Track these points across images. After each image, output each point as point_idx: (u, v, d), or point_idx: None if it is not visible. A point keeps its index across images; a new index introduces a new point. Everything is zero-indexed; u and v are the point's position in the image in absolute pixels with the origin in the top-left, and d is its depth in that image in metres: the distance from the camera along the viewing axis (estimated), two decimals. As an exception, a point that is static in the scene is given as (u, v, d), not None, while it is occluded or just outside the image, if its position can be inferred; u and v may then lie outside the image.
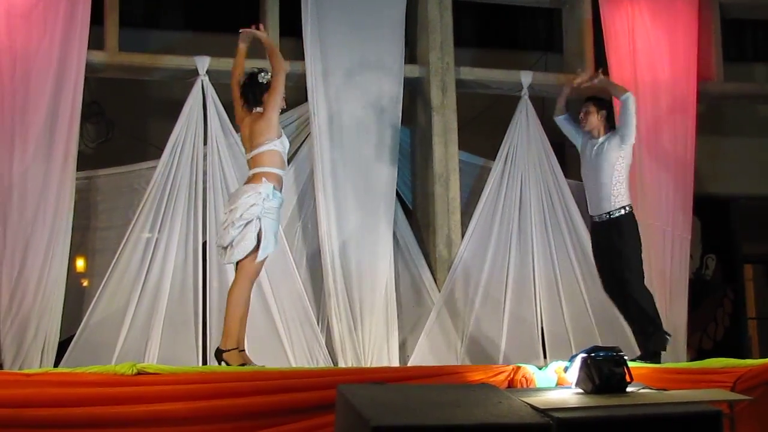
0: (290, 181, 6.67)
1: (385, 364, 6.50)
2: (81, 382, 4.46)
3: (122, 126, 7.57)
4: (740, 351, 8.34)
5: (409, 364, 6.62)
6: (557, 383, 4.93)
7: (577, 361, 4.13)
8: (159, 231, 6.39)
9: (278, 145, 5.48)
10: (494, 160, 7.16)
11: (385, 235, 6.76)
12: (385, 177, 6.84)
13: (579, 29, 7.64)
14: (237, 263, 5.40)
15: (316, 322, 6.60)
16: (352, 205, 6.73)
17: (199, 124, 6.56)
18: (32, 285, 6.02)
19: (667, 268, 7.14)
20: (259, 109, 5.55)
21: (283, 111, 5.67)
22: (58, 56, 6.23)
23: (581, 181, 6.42)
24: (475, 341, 6.82)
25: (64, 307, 6.13)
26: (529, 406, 3.62)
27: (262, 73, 5.57)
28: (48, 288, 6.06)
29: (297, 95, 6.77)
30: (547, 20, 8.58)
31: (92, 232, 6.66)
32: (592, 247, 6.37)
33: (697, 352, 8.29)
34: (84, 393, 4.37)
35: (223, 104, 6.50)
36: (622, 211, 6.06)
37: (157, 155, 6.57)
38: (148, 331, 6.23)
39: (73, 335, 6.17)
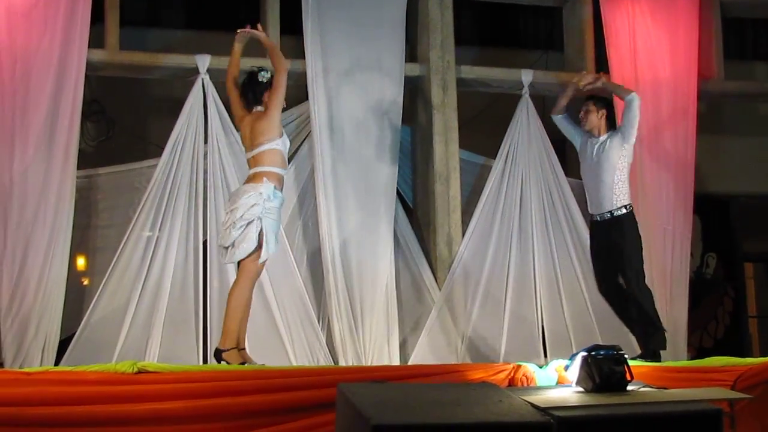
0: (291, 180, 6.67)
1: (385, 362, 6.50)
2: (81, 380, 4.47)
3: (123, 124, 7.58)
4: (741, 349, 8.35)
5: (409, 363, 6.62)
6: (558, 382, 4.93)
7: (578, 359, 4.13)
8: (159, 229, 6.39)
9: (280, 144, 5.47)
10: (495, 159, 7.16)
11: (386, 233, 6.76)
12: (385, 175, 6.84)
13: (580, 28, 7.64)
14: (238, 263, 5.40)
15: (316, 321, 6.60)
16: (352, 204, 6.73)
17: (200, 123, 6.56)
18: (33, 283, 6.02)
19: (667, 267, 7.14)
20: (259, 108, 5.55)
21: (283, 110, 5.67)
22: (58, 55, 6.23)
23: (582, 179, 6.43)
24: (476, 340, 6.82)
25: (64, 306, 6.13)
26: (529, 404, 3.62)
27: (262, 72, 5.56)
28: (48, 286, 6.06)
29: (297, 94, 6.77)
30: (548, 19, 8.57)
31: (93, 231, 6.66)
32: (591, 246, 6.36)
33: (697, 350, 8.29)
34: (85, 391, 4.37)
35: (223, 103, 6.49)
36: (623, 210, 6.06)
37: (158, 154, 6.57)
38: (149, 329, 6.23)
39: (74, 334, 6.17)
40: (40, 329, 6.00)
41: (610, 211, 6.07)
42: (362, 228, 6.73)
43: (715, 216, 8.78)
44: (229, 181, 6.48)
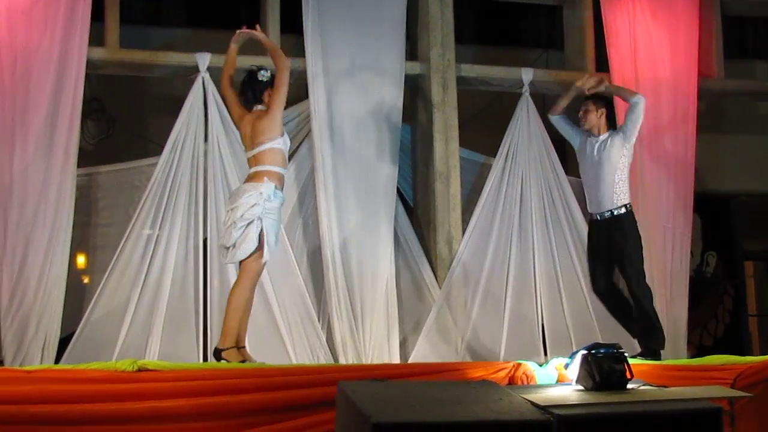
0: (291, 179, 6.67)
1: (385, 360, 6.50)
2: (82, 378, 4.47)
3: (123, 123, 7.58)
4: (740, 348, 8.35)
5: (409, 361, 6.62)
6: (558, 380, 4.93)
7: (578, 358, 4.13)
8: (160, 228, 6.39)
9: (281, 143, 5.48)
10: (495, 157, 7.16)
11: (386, 232, 6.76)
12: (385, 174, 6.84)
13: (580, 26, 7.64)
14: (239, 263, 5.40)
15: (317, 319, 6.60)
16: (352, 203, 6.73)
17: (200, 121, 6.56)
18: (33, 282, 6.02)
19: (667, 265, 7.14)
20: (260, 107, 5.55)
21: (284, 108, 5.67)
22: (58, 53, 6.23)
23: (581, 178, 6.42)
24: (476, 338, 6.82)
25: (64, 304, 6.13)
26: (529, 403, 3.62)
27: (262, 71, 5.56)
28: (49, 285, 6.05)
29: (297, 92, 6.77)
30: (548, 17, 8.57)
31: (93, 229, 6.66)
32: (588, 245, 6.34)
33: (697, 349, 8.30)
34: (85, 390, 4.38)
35: (224, 101, 6.50)
36: (624, 209, 6.06)
37: (158, 152, 6.56)
38: (149, 327, 6.23)
39: (74, 332, 6.17)
40: (40, 327, 6.00)
41: (611, 210, 6.07)
42: (362, 227, 6.73)
43: (715, 214, 8.78)
44: (229, 180, 6.48)
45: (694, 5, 7.57)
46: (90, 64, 6.43)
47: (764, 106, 8.96)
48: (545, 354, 6.78)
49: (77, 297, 6.44)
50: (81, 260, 6.80)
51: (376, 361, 6.45)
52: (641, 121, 6.18)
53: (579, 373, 4.12)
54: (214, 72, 6.56)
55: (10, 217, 6.04)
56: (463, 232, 6.96)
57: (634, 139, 6.18)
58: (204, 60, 6.61)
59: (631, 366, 4.11)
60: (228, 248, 5.35)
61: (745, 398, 4.33)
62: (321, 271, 6.66)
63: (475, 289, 6.90)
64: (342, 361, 6.43)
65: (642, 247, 6.12)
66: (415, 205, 7.27)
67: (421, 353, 6.69)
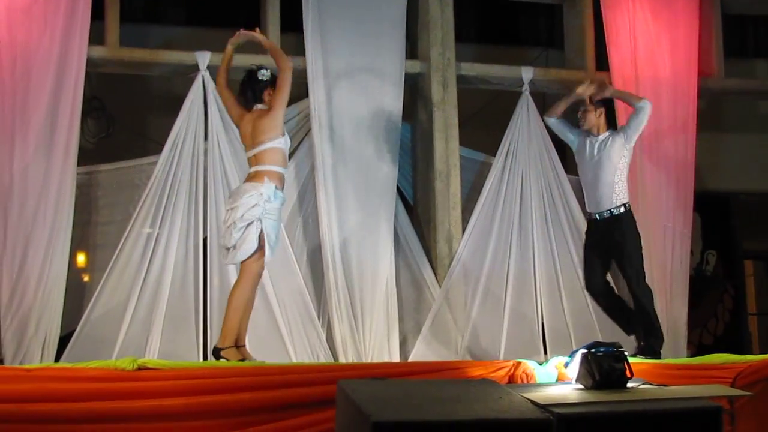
0: (291, 177, 6.67)
1: (385, 359, 6.51)
2: (81, 377, 4.47)
3: (123, 121, 7.57)
4: (740, 347, 8.35)
5: (409, 360, 6.63)
6: (557, 379, 4.94)
7: (578, 356, 4.13)
8: (160, 226, 6.39)
9: (282, 142, 5.48)
10: (495, 156, 7.16)
11: (386, 231, 6.76)
12: (385, 173, 6.84)
13: (580, 25, 7.63)
14: (240, 264, 5.40)
15: (317, 318, 6.60)
16: (352, 201, 6.73)
17: (200, 120, 6.55)
18: (33, 280, 6.02)
19: (667, 264, 7.14)
20: (260, 106, 5.55)
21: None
22: (58, 52, 6.23)
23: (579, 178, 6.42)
24: (476, 337, 6.82)
25: (64, 302, 6.13)
26: (529, 401, 3.62)
27: (262, 70, 5.56)
28: (49, 283, 6.06)
29: (297, 91, 6.76)
30: (548, 16, 8.57)
31: (93, 228, 6.66)
32: (586, 243, 6.32)
33: (697, 347, 8.30)
34: (84, 388, 4.38)
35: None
36: (622, 209, 6.05)
37: (158, 151, 6.56)
38: (149, 326, 6.23)
39: (74, 330, 6.17)
40: (40, 326, 6.00)
41: (610, 210, 6.05)
42: (362, 225, 6.73)
43: (715, 213, 8.78)
44: (229, 178, 6.48)
45: (694, 4, 7.56)
46: (90, 63, 6.43)
47: (764, 105, 8.96)
48: (545, 353, 6.78)
49: (77, 295, 6.44)
50: (81, 259, 6.80)
51: (376, 360, 6.45)
52: (644, 126, 6.18)
53: (579, 371, 4.11)
54: (214, 70, 6.53)
55: (10, 216, 6.04)
56: (463, 231, 6.96)
57: (635, 141, 6.18)
58: (204, 58, 6.61)
59: (631, 365, 4.11)
60: (228, 249, 5.36)
61: (745, 397, 4.33)
62: (321, 270, 6.66)
63: (475, 288, 6.90)
64: (342, 359, 6.43)
65: (641, 247, 6.12)
66: (415, 204, 7.27)
67: (421, 352, 6.69)
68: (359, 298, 6.60)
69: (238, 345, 5.36)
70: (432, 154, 7.00)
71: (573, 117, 6.38)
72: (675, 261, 7.18)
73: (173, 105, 6.69)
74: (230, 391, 4.46)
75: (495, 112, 7.62)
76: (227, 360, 5.20)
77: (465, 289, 6.88)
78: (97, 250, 6.66)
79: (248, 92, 5.59)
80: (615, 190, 6.03)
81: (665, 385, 4.26)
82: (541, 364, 5.11)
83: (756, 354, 6.89)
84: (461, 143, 7.12)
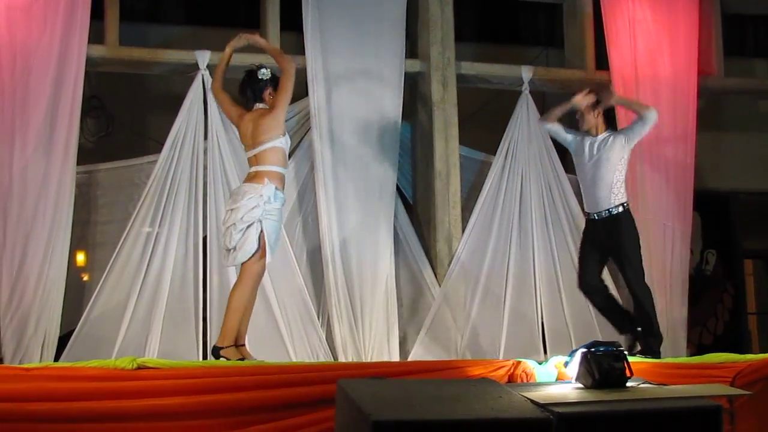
0: (291, 176, 6.66)
1: (385, 358, 6.51)
2: (81, 376, 4.47)
3: (122, 120, 7.57)
4: (740, 346, 8.35)
5: (409, 359, 6.63)
6: (557, 378, 4.93)
7: (577, 356, 4.13)
8: (159, 225, 6.39)
9: (283, 142, 5.47)
10: (495, 155, 7.17)
11: (386, 230, 6.76)
12: (385, 172, 6.84)
13: (580, 24, 7.63)
14: (240, 265, 5.40)
15: (316, 318, 6.60)
16: (352, 201, 6.73)
17: (200, 119, 6.55)
18: (32, 279, 6.02)
19: (667, 263, 7.14)
20: (260, 106, 5.54)
21: (285, 108, 5.67)
22: (58, 51, 6.22)
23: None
24: (476, 336, 6.82)
25: (64, 302, 6.13)
26: (529, 401, 3.62)
27: (262, 70, 5.55)
28: (48, 282, 6.06)
29: (297, 90, 6.71)
30: (548, 15, 8.56)
31: (92, 227, 6.66)
32: (583, 242, 6.29)
33: (696, 347, 8.30)
34: (84, 387, 4.38)
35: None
36: (621, 209, 6.02)
37: (158, 150, 6.57)
38: (149, 325, 6.23)
39: (74, 329, 6.17)
40: (39, 325, 6.00)
41: (608, 210, 6.02)
42: (362, 225, 6.73)
43: (714, 213, 8.78)
44: (229, 178, 6.48)
45: (693, 3, 7.56)
46: (89, 62, 6.43)
47: (764, 104, 8.95)
48: (545, 352, 6.78)
49: (77, 295, 6.45)
50: (80, 258, 6.81)
51: (375, 359, 6.45)
52: (647, 133, 6.17)
53: (578, 371, 4.11)
54: (214, 69, 6.55)
55: (9, 215, 6.04)
56: (463, 230, 6.96)
57: (634, 145, 6.17)
58: (204, 57, 6.61)
59: (631, 364, 4.11)
60: (229, 250, 5.35)
61: (745, 396, 4.33)
62: (321, 270, 6.66)
63: (475, 287, 6.90)
64: (341, 359, 6.43)
65: (640, 246, 6.10)
66: (415, 203, 7.27)
67: (421, 351, 6.70)
68: (359, 298, 6.60)
69: (238, 344, 5.36)
70: (432, 153, 7.00)
71: (571, 118, 6.35)
72: (675, 260, 7.18)
73: (173, 104, 6.69)
74: (230, 390, 4.46)
75: (495, 112, 7.61)
76: (227, 359, 5.20)
77: (465, 289, 6.88)
78: (97, 249, 6.66)
79: (248, 91, 5.58)
80: (613, 190, 6.01)
81: (665, 384, 4.25)
82: (540, 364, 5.10)
83: (755, 353, 6.89)
84: (461, 142, 7.12)
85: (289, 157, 6.23)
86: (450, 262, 6.88)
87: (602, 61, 7.46)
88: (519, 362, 5.00)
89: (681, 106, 7.39)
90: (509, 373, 4.91)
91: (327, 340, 6.58)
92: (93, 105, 7.36)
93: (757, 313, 9.85)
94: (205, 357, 6.13)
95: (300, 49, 6.80)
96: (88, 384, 4.40)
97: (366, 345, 6.54)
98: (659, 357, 5.85)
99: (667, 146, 7.32)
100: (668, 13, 7.49)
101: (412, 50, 7.24)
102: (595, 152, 6.09)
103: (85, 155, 6.62)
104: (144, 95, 7.82)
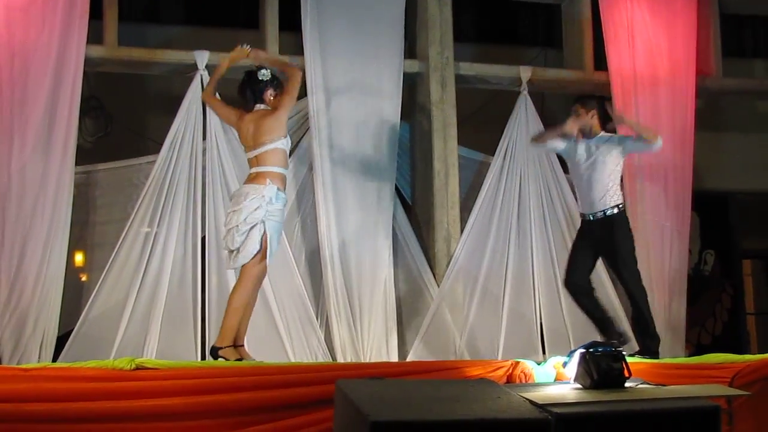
0: (289, 176, 6.61)
1: (384, 359, 6.50)
2: (79, 377, 4.46)
3: (121, 120, 7.57)
4: (738, 346, 8.36)
5: (408, 359, 6.63)
6: (556, 378, 4.93)
7: (576, 356, 4.13)
8: (158, 226, 6.39)
9: (284, 143, 5.47)
10: (493, 156, 7.17)
11: (384, 230, 6.76)
12: (384, 172, 6.84)
13: (578, 25, 7.64)
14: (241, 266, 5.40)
15: (315, 318, 6.60)
16: (351, 201, 6.73)
17: (198, 119, 6.55)
18: (31, 279, 6.02)
19: (665, 264, 7.14)
20: (261, 107, 5.53)
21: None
22: (56, 50, 6.22)
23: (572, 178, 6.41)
24: (474, 336, 6.82)
25: (62, 302, 6.13)
26: (527, 401, 3.62)
27: (262, 70, 5.55)
28: (47, 282, 6.05)
29: (296, 90, 6.76)
30: (547, 16, 8.57)
31: (91, 227, 6.66)
32: (576, 242, 6.27)
33: (695, 347, 8.30)
34: (82, 388, 4.37)
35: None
36: (616, 210, 6.01)
37: (156, 150, 6.56)
38: (147, 325, 6.23)
39: (72, 330, 6.17)
40: (38, 325, 6.00)
41: (603, 211, 6.00)
42: (361, 225, 6.73)
43: (713, 213, 8.78)
44: (227, 178, 6.48)
45: (692, 4, 7.57)
46: (88, 62, 6.42)
47: (762, 105, 8.96)
48: (543, 352, 6.79)
49: (75, 295, 6.44)
50: (79, 258, 6.80)
51: (374, 360, 6.45)
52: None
53: (577, 371, 4.11)
54: (212, 70, 6.54)
55: (8, 215, 6.04)
56: (462, 231, 6.96)
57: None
58: (202, 58, 6.60)
59: (629, 364, 4.11)
60: (231, 252, 5.35)
61: (743, 397, 4.33)
62: (319, 270, 6.66)
63: (474, 288, 6.90)
64: (340, 359, 6.43)
65: (634, 247, 6.10)
66: (414, 204, 7.27)
67: (420, 351, 6.70)
68: (358, 298, 6.60)
69: (237, 345, 5.35)
70: (430, 153, 7.00)
71: (565, 117, 6.33)
72: (673, 260, 7.18)
73: (171, 104, 6.69)
74: (228, 390, 4.45)
75: (493, 112, 7.62)
76: (225, 359, 5.19)
77: (463, 289, 6.88)
78: (95, 249, 6.66)
79: (248, 92, 5.56)
80: (609, 192, 5.98)
81: (663, 385, 4.25)
82: (539, 364, 5.10)
83: (754, 353, 6.89)
84: (460, 143, 7.12)
85: (288, 156, 6.23)
86: (449, 263, 6.88)
87: (601, 62, 7.46)
88: (517, 363, 5.00)
89: (679, 106, 7.40)
90: (508, 374, 4.91)
91: (326, 340, 6.58)
92: (92, 105, 7.36)
93: (755, 313, 9.86)
94: (203, 357, 6.13)
95: (299, 50, 6.80)
96: (86, 384, 4.40)
97: (365, 345, 6.53)
98: (658, 357, 5.85)
99: (665, 146, 7.29)
100: (667, 13, 7.49)
101: (410, 51, 7.24)
102: (590, 154, 6.06)
103: (83, 155, 6.62)
104: (143, 95, 7.82)
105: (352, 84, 6.84)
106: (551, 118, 6.65)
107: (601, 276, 6.80)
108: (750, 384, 4.57)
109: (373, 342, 6.56)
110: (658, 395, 3.95)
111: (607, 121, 6.24)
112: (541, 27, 8.69)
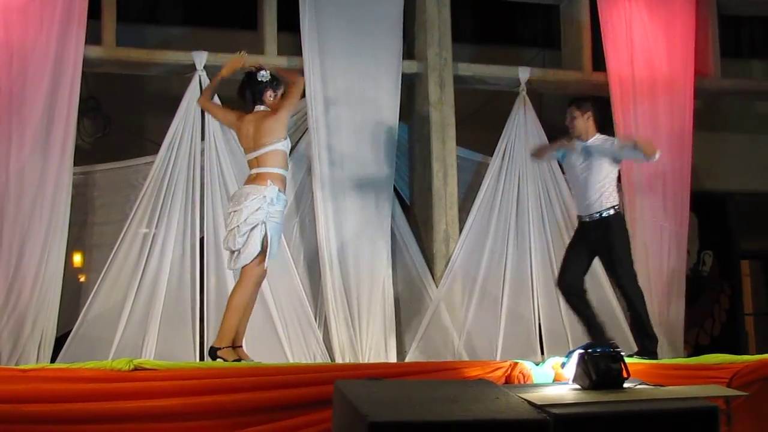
0: (288, 177, 6.63)
1: (382, 359, 6.50)
2: (78, 377, 4.47)
3: (119, 121, 7.57)
4: (737, 347, 8.36)
5: (406, 360, 6.62)
6: (554, 379, 4.93)
7: (574, 357, 4.13)
8: (156, 226, 6.38)
9: (285, 145, 5.48)
10: (492, 156, 7.17)
11: (383, 231, 6.76)
12: (382, 173, 6.84)
13: (577, 25, 7.64)
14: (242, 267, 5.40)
15: (313, 319, 6.60)
16: (349, 202, 6.73)
17: (197, 120, 6.55)
18: (29, 280, 6.01)
19: (664, 264, 7.15)
20: (261, 108, 5.53)
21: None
22: (55, 51, 6.22)
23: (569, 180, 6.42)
24: (473, 337, 6.82)
25: (61, 303, 6.13)
26: (526, 402, 3.62)
27: (262, 71, 5.55)
28: (45, 283, 6.05)
29: (295, 90, 6.76)
30: (545, 16, 8.57)
31: (89, 228, 6.66)
32: (572, 243, 6.27)
33: (693, 347, 8.31)
34: (81, 389, 4.37)
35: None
36: (612, 211, 6.00)
37: (155, 150, 6.56)
38: (145, 326, 6.22)
39: (70, 331, 6.16)
40: (36, 326, 5.99)
41: (599, 213, 6.00)
42: (359, 225, 6.72)
43: (711, 213, 8.79)
44: (226, 178, 6.48)
45: (690, 4, 7.57)
46: (86, 63, 6.42)
47: (761, 106, 8.97)
48: (542, 353, 6.79)
49: (73, 296, 6.44)
50: (77, 259, 6.80)
51: (372, 360, 6.45)
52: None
53: (576, 372, 4.12)
54: (211, 70, 6.55)
55: (6, 216, 6.03)
56: (460, 231, 6.96)
57: None
58: (201, 58, 6.60)
59: (628, 365, 4.11)
60: (232, 253, 5.35)
61: (742, 397, 4.33)
62: (318, 270, 6.66)
63: (472, 288, 6.90)
64: (339, 360, 6.43)
65: (630, 249, 6.10)
66: (412, 204, 7.27)
67: (418, 352, 6.69)
68: (356, 299, 6.60)
69: (235, 345, 5.35)
70: (429, 154, 7.00)
71: (562, 124, 6.33)
72: (672, 261, 7.19)
73: (170, 105, 6.68)
74: (227, 391, 4.46)
75: (492, 113, 7.62)
76: (224, 360, 5.19)
77: (462, 290, 6.88)
78: (94, 250, 6.65)
79: (247, 93, 5.57)
80: (605, 193, 5.98)
81: (662, 386, 4.26)
82: (537, 365, 5.10)
83: (752, 354, 6.91)
84: (458, 143, 7.12)
85: (287, 157, 6.24)
86: (447, 263, 6.88)
87: (599, 63, 7.47)
88: (516, 363, 5.00)
89: (678, 107, 7.40)
90: (506, 374, 4.91)
91: (324, 341, 6.58)
92: (90, 106, 7.35)
93: (753, 314, 9.86)
94: (202, 358, 6.13)
95: (297, 50, 6.80)
96: (84, 385, 4.40)
97: (363, 346, 6.53)
98: (656, 358, 5.85)
99: (664, 147, 7.30)
100: (665, 14, 7.49)
101: (409, 51, 7.24)
102: (587, 156, 6.05)
103: (82, 156, 6.62)
104: (141, 96, 7.81)
105: (351, 85, 6.84)
106: (550, 118, 6.65)
107: (600, 279, 6.81)
108: (748, 384, 4.58)
109: (371, 342, 6.56)
110: (656, 396, 3.95)
111: (602, 123, 6.24)
112: (539, 28, 8.69)
